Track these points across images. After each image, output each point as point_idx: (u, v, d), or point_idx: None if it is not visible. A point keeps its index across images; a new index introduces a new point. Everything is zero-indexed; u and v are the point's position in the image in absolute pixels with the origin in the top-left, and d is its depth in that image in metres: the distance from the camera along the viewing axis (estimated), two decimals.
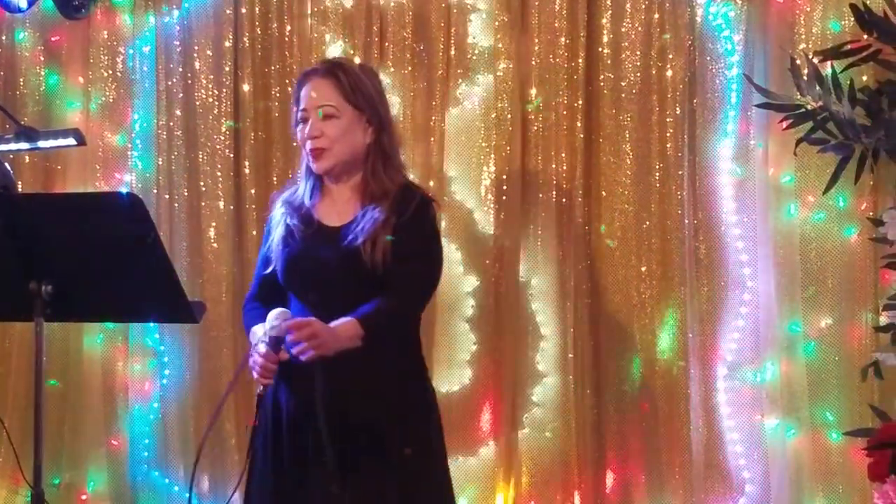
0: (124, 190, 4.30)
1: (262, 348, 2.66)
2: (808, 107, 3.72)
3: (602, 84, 4.06)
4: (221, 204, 4.26)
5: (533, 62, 4.09)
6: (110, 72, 4.35)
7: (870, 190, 3.83)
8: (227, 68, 4.24)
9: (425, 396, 2.98)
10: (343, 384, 2.74)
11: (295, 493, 2.84)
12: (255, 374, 2.70)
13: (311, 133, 2.87)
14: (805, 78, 3.70)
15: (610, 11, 4.04)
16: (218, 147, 4.26)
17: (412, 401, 2.93)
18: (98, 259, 2.35)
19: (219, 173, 4.25)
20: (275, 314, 2.64)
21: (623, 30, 4.04)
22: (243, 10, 4.24)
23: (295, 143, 4.10)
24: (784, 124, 3.77)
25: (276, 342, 2.64)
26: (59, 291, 2.37)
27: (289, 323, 2.62)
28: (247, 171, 4.25)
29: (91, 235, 2.33)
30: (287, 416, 2.85)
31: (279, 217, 2.94)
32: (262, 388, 2.73)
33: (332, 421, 2.74)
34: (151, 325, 4.21)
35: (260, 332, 2.75)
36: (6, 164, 2.80)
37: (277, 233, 2.91)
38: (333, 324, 2.67)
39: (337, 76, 2.88)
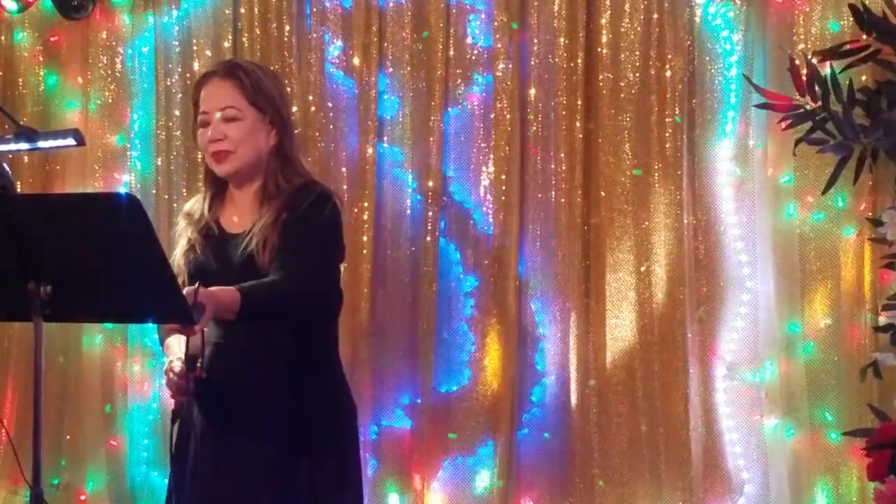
0: (123, 190, 4.30)
1: (177, 366, 2.62)
2: (807, 107, 3.72)
3: (601, 84, 4.06)
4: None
5: (532, 62, 4.09)
6: (109, 72, 4.35)
7: (869, 190, 3.83)
8: None
9: (334, 395, 2.86)
10: (231, 378, 2.71)
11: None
12: (170, 392, 2.67)
13: (213, 136, 2.77)
14: (804, 78, 3.70)
15: (609, 11, 4.04)
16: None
17: (319, 399, 2.79)
18: (96, 259, 2.34)
19: None
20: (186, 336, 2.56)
21: (622, 30, 4.04)
22: (242, 11, 4.23)
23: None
24: (783, 124, 3.77)
25: (192, 360, 2.57)
26: (58, 292, 2.37)
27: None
28: None
29: (89, 236, 2.32)
30: (196, 434, 2.79)
31: (181, 229, 2.87)
32: (177, 404, 2.70)
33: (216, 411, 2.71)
34: (150, 325, 4.20)
35: (174, 346, 2.71)
36: (4, 165, 2.79)
37: (180, 245, 2.83)
38: (214, 288, 2.52)
39: (238, 77, 2.79)
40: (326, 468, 2.77)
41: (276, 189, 2.78)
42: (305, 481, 2.74)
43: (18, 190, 4.27)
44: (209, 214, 2.84)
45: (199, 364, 2.57)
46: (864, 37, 3.68)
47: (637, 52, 4.03)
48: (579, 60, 4.04)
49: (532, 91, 4.09)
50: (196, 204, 2.91)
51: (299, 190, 2.78)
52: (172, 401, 2.74)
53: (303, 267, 2.68)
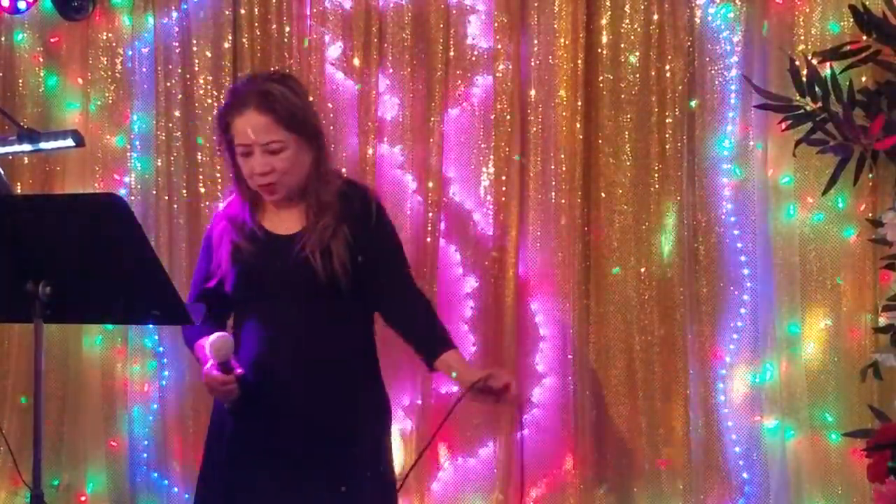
0: (123, 191, 4.30)
1: (216, 376, 2.72)
2: (808, 108, 3.72)
3: (601, 85, 4.06)
4: (221, 205, 4.24)
5: (532, 63, 4.09)
6: (109, 73, 4.36)
7: (869, 191, 3.83)
8: (226, 69, 4.24)
9: (381, 400, 2.99)
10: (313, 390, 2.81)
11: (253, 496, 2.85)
12: (220, 398, 2.76)
13: (262, 170, 2.80)
14: (804, 79, 3.70)
15: (609, 12, 4.04)
16: (217, 148, 4.25)
17: (370, 403, 2.94)
18: (91, 260, 2.35)
19: (218, 174, 4.25)
20: (216, 343, 2.68)
21: (622, 31, 4.04)
22: (242, 11, 4.24)
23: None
24: (783, 125, 3.77)
25: (225, 366, 2.70)
26: (57, 292, 2.37)
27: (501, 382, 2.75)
28: None
29: (80, 237, 2.33)
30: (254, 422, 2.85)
31: (221, 231, 2.90)
32: (229, 405, 2.78)
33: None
34: (150, 326, 4.20)
35: (200, 358, 2.82)
36: None
37: (224, 249, 2.88)
38: (464, 363, 2.87)
39: (274, 110, 2.79)
40: (373, 461, 2.91)
41: (324, 196, 2.86)
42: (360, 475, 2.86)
43: (18, 191, 4.30)
44: (251, 219, 2.89)
45: (233, 364, 2.70)
46: (865, 37, 3.68)
47: (637, 53, 4.03)
48: (579, 61, 4.04)
49: (532, 92, 4.09)
50: (232, 209, 2.94)
51: (345, 195, 2.88)
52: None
53: (414, 283, 2.96)
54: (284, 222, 2.89)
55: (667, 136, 4.01)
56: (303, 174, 2.85)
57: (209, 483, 2.96)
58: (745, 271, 3.97)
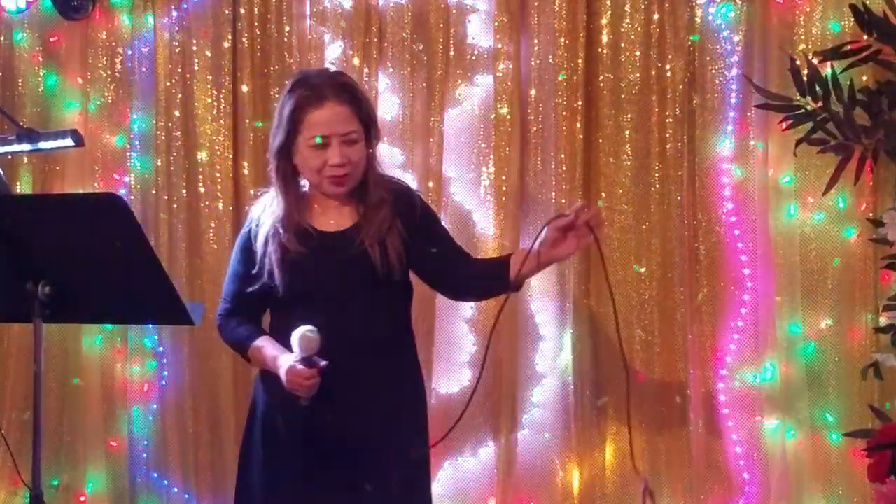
0: (123, 191, 4.30)
1: (301, 370, 2.74)
2: (808, 107, 3.71)
3: (602, 84, 4.05)
4: (221, 205, 4.26)
5: (532, 63, 4.09)
6: (109, 72, 4.35)
7: (869, 191, 3.83)
8: (225, 69, 4.24)
9: (422, 395, 3.10)
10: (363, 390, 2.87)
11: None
12: (299, 393, 2.77)
13: (339, 160, 2.84)
14: (805, 78, 3.70)
15: (610, 12, 4.04)
16: (217, 148, 4.26)
17: (417, 396, 3.05)
18: (92, 260, 2.35)
19: (218, 174, 4.25)
20: (307, 337, 2.72)
21: (623, 30, 4.04)
22: (242, 11, 4.23)
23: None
24: (784, 125, 3.77)
25: (309, 361, 2.74)
26: (57, 292, 2.37)
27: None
28: (246, 171, 4.24)
29: (79, 236, 2.33)
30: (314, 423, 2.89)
31: (267, 234, 2.90)
32: (305, 399, 2.80)
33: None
34: (150, 326, 4.20)
35: (271, 354, 2.85)
36: None
37: (270, 248, 2.88)
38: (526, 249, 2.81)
39: (352, 101, 2.86)
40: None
41: (376, 189, 2.91)
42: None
43: (18, 191, 4.30)
44: (296, 216, 2.90)
45: (315, 359, 2.74)
46: (865, 37, 3.68)
47: (637, 53, 4.03)
48: (580, 61, 4.04)
49: (532, 91, 4.09)
50: (272, 208, 2.93)
51: (397, 193, 2.96)
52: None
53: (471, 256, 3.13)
54: (332, 220, 2.93)
55: (667, 135, 4.00)
56: (363, 168, 2.90)
57: (262, 478, 2.98)
58: (746, 271, 3.97)
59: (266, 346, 2.89)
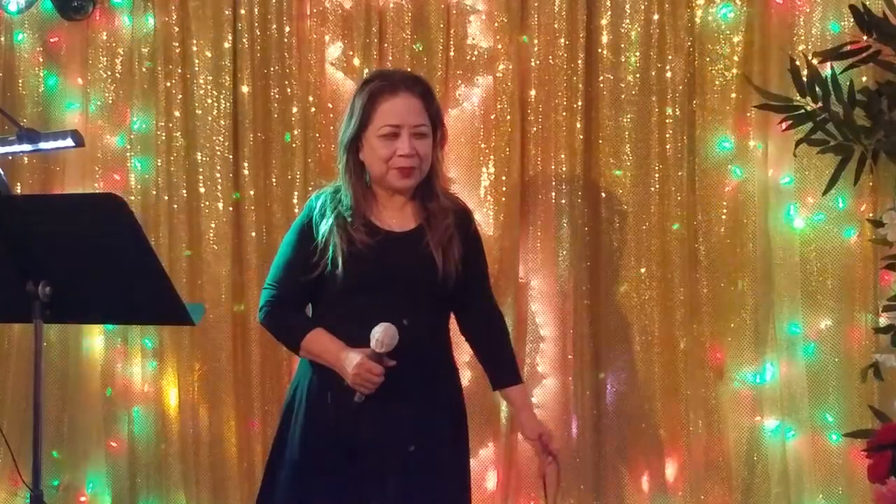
0: (123, 191, 4.29)
1: (374, 365, 2.79)
2: (808, 108, 3.72)
3: (601, 85, 4.06)
4: (220, 205, 4.26)
5: (532, 63, 4.09)
6: (109, 73, 4.35)
7: (869, 191, 3.83)
8: (225, 69, 4.24)
9: (461, 398, 3.16)
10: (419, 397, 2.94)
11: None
12: (363, 389, 2.82)
13: (408, 152, 2.89)
14: (805, 79, 3.70)
15: (609, 12, 4.04)
16: (217, 148, 4.26)
17: (461, 403, 3.13)
18: (92, 260, 2.35)
19: (218, 174, 4.25)
20: (389, 333, 2.76)
21: (622, 31, 4.04)
22: (242, 11, 4.23)
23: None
24: (783, 125, 3.77)
25: (379, 356, 2.78)
26: (57, 293, 2.37)
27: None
28: (246, 172, 4.24)
29: (80, 237, 2.33)
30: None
31: (330, 224, 2.92)
32: (361, 396, 2.83)
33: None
34: (150, 326, 4.20)
35: (333, 346, 2.87)
36: None
37: (335, 237, 2.90)
38: (525, 408, 3.12)
39: (424, 96, 2.93)
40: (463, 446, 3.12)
41: (438, 197, 3.00)
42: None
43: (18, 191, 4.30)
44: (361, 212, 2.94)
45: (385, 357, 2.80)
46: (865, 38, 3.68)
47: (637, 53, 4.03)
48: (579, 61, 4.04)
49: (532, 92, 4.09)
50: (344, 200, 2.96)
51: (459, 207, 3.08)
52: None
53: (496, 305, 3.25)
54: (395, 219, 2.97)
55: (667, 136, 4.00)
56: (429, 167, 2.96)
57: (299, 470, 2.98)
58: (745, 271, 3.97)
59: (326, 337, 2.89)
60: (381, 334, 2.76)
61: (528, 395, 3.25)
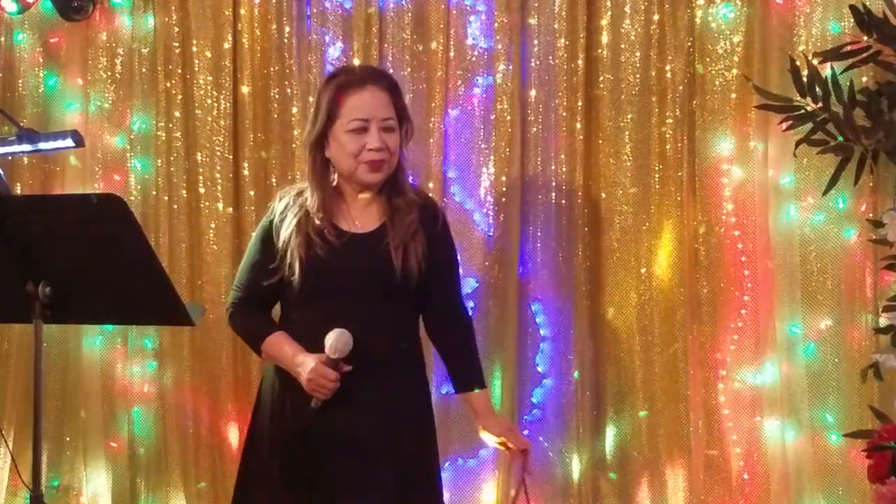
0: (123, 191, 4.29)
1: (329, 371, 2.77)
2: (808, 108, 3.72)
3: (602, 85, 4.06)
4: (220, 205, 4.26)
5: (532, 63, 4.09)
6: (109, 73, 4.35)
7: (869, 191, 3.83)
8: (226, 70, 4.24)
9: (429, 402, 3.11)
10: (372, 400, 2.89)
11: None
12: (318, 395, 2.80)
13: (378, 145, 2.87)
14: (805, 79, 3.70)
15: (610, 12, 4.04)
16: (217, 148, 4.25)
17: (424, 408, 3.06)
18: (92, 260, 2.35)
19: (218, 175, 4.25)
20: (342, 338, 2.75)
21: (623, 31, 4.04)
22: (242, 12, 4.23)
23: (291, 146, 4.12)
24: (784, 126, 3.77)
25: (334, 362, 2.77)
26: (57, 293, 2.37)
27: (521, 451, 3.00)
28: (246, 172, 4.24)
29: (80, 237, 2.33)
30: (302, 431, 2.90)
31: (290, 230, 2.91)
32: (317, 402, 2.83)
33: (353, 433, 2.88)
34: (150, 326, 4.20)
35: (290, 351, 2.85)
36: None
37: (293, 242, 2.89)
38: (485, 410, 3.05)
39: (391, 90, 2.92)
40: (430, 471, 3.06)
41: (403, 195, 2.95)
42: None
43: (18, 191, 4.30)
44: (326, 213, 2.91)
45: (340, 362, 2.77)
46: (865, 38, 3.68)
47: (637, 54, 4.03)
48: (580, 61, 4.04)
49: (532, 92, 4.09)
50: (300, 201, 2.95)
51: (425, 202, 3.02)
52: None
53: (463, 302, 3.16)
54: (359, 220, 2.94)
55: (667, 136, 4.00)
56: (396, 164, 2.93)
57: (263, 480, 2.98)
58: (746, 272, 3.97)
59: (284, 341, 2.89)
60: (335, 340, 2.74)
61: (491, 401, 3.15)
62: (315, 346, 2.84)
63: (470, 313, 3.22)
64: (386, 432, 2.89)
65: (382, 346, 2.88)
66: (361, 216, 2.95)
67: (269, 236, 2.96)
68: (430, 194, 4.06)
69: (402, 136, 2.97)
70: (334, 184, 2.96)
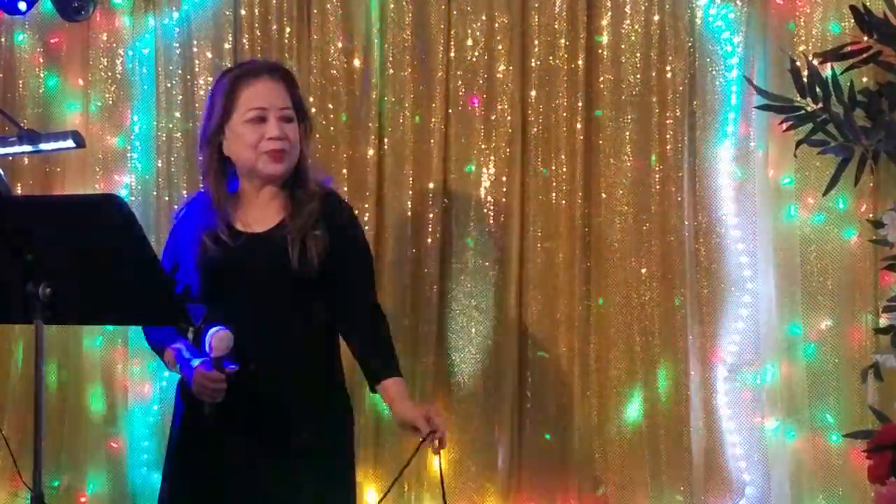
0: (124, 192, 4.29)
1: (209, 373, 2.70)
2: (808, 109, 3.72)
3: (602, 86, 4.06)
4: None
5: (532, 63, 4.09)
6: (110, 74, 4.34)
7: (870, 192, 3.83)
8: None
9: (345, 404, 3.01)
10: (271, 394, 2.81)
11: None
12: (205, 397, 2.74)
13: (277, 134, 2.82)
14: (805, 80, 3.70)
15: (610, 13, 4.04)
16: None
17: (333, 408, 2.95)
18: (92, 261, 2.35)
19: None
20: (216, 337, 2.66)
21: (623, 31, 4.04)
22: (243, 12, 4.23)
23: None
24: (784, 126, 3.77)
25: (218, 362, 2.68)
26: (57, 293, 2.37)
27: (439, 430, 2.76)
28: None
29: (80, 237, 2.33)
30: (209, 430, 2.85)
31: (189, 233, 2.88)
32: (209, 406, 2.77)
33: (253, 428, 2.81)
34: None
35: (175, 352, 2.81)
36: None
37: (192, 249, 2.85)
38: (400, 397, 2.81)
39: (290, 80, 2.90)
40: (337, 469, 2.93)
41: (306, 191, 2.87)
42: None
43: (18, 191, 4.29)
44: (221, 214, 2.86)
45: (224, 363, 2.69)
46: (865, 38, 3.68)
47: (638, 54, 4.03)
48: (580, 62, 4.04)
49: (532, 91, 4.09)
50: (205, 201, 2.92)
51: (327, 195, 2.91)
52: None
53: (375, 296, 2.96)
54: (258, 219, 2.88)
55: (667, 136, 4.01)
56: (297, 158, 2.88)
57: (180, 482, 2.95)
58: (746, 272, 3.97)
59: (178, 349, 2.84)
60: (212, 338, 2.68)
61: (407, 390, 2.88)
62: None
63: (383, 309, 3.02)
64: (291, 431, 2.82)
65: (292, 344, 2.83)
66: (261, 215, 2.88)
67: (171, 247, 2.95)
68: (430, 194, 4.10)
69: (303, 133, 2.91)
70: (234, 189, 2.92)
